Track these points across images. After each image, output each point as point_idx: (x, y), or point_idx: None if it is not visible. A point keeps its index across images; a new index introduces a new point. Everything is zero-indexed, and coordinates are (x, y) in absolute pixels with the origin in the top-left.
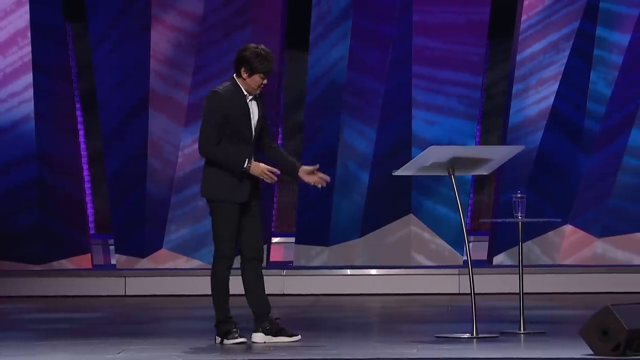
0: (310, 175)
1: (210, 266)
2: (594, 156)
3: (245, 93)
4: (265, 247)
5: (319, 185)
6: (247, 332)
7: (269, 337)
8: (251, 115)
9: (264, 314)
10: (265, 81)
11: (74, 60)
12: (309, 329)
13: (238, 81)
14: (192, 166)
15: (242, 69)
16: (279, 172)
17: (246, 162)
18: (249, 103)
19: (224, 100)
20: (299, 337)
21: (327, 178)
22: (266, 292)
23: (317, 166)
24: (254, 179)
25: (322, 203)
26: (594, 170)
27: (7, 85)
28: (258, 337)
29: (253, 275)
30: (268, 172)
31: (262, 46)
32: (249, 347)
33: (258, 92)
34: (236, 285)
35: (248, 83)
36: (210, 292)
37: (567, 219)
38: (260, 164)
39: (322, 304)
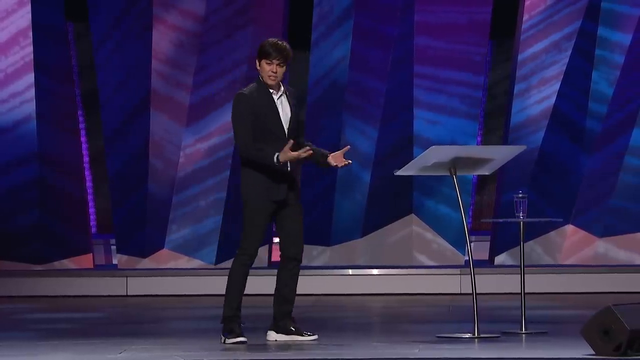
0: (337, 158)
1: (211, 265)
2: (596, 156)
3: (271, 90)
4: (266, 247)
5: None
6: (256, 333)
7: (281, 335)
8: (280, 112)
9: (282, 314)
10: (274, 69)
11: (76, 60)
12: (310, 329)
13: (260, 77)
14: (193, 166)
15: (256, 61)
16: (309, 150)
17: (275, 154)
18: (277, 100)
19: (249, 99)
20: (316, 336)
21: (349, 161)
22: (274, 293)
23: (347, 148)
24: (290, 180)
25: (323, 203)
26: (596, 170)
27: (9, 85)
28: (271, 335)
29: (287, 277)
30: (297, 153)
31: (281, 40)
32: (249, 346)
33: (273, 81)
34: (250, 285)
35: (261, 74)
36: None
37: (568, 219)
38: (288, 151)
39: (323, 303)
